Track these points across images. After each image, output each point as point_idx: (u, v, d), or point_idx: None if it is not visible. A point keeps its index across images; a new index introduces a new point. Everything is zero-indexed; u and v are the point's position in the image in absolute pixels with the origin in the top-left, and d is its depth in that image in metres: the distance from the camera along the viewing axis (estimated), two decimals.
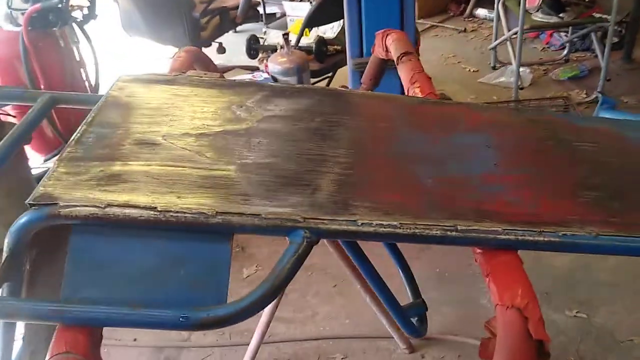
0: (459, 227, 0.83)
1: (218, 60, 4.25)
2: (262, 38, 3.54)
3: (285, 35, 3.08)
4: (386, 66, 1.72)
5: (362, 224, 0.82)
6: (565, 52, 4.19)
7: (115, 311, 0.75)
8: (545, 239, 0.83)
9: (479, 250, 0.86)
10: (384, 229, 0.82)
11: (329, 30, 3.50)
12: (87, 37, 3.04)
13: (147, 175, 0.86)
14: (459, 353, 2.21)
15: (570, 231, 0.84)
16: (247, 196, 0.85)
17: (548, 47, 4.48)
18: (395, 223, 0.82)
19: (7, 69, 2.86)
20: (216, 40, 3.96)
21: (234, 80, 1.17)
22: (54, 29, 2.83)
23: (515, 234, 0.83)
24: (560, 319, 2.32)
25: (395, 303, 1.21)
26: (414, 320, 1.28)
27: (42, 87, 2.82)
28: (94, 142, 0.93)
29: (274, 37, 3.50)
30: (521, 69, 3.96)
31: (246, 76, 3.19)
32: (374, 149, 1.00)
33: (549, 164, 1.00)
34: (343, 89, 1.23)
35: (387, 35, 1.56)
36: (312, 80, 3.36)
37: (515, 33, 3.56)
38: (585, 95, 3.74)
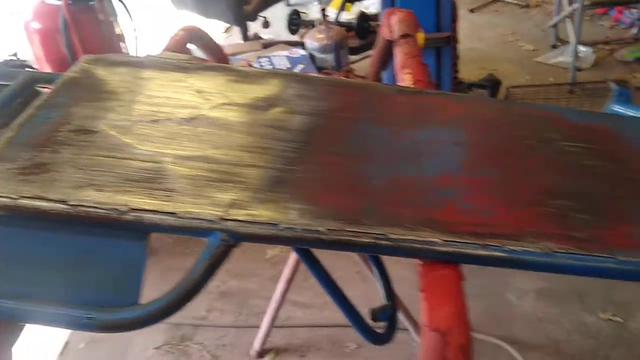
0: (390, 236, 0.75)
1: (265, 35, 4.21)
2: (303, 13, 3.45)
3: (323, 10, 2.98)
4: None
5: (285, 228, 0.75)
6: (635, 30, 3.87)
7: (17, 306, 0.73)
8: (489, 253, 0.74)
9: (419, 263, 0.77)
10: (309, 235, 0.75)
11: (372, 5, 3.37)
12: (127, 11, 3.07)
13: (74, 165, 0.83)
14: (478, 351, 2.10)
15: (521, 246, 0.74)
16: (172, 192, 0.80)
17: (617, 25, 4.15)
18: (321, 229, 0.75)
19: (49, 41, 2.93)
20: (261, 15, 3.90)
21: (205, 63, 1.12)
22: (93, 2, 2.87)
23: (454, 247, 0.74)
24: (593, 321, 2.17)
25: (352, 309, 1.14)
26: (384, 324, 1.20)
27: None
28: (35, 126, 0.91)
29: (316, 11, 3.41)
30: (584, 49, 3.70)
31: (284, 52, 3.13)
32: (329, 143, 0.92)
33: (522, 166, 0.89)
34: (315, 75, 1.15)
35: (393, 14, 1.46)
36: (352, 57, 3.25)
37: (576, 9, 3.31)
38: None
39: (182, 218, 0.75)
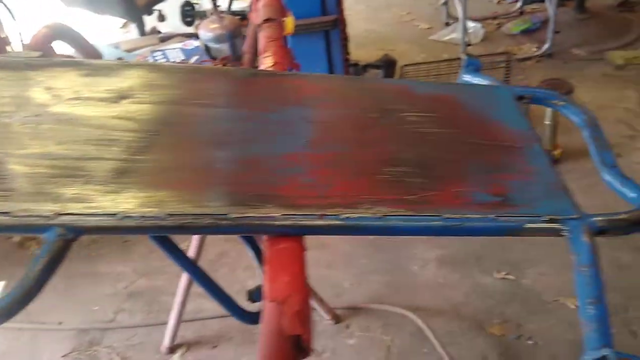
0: (230, 216, 0.76)
1: (164, 28, 4.13)
2: (197, 4, 3.41)
3: (214, 0, 2.96)
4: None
5: (123, 217, 0.75)
6: (520, 4, 4.07)
7: None
8: (327, 223, 0.77)
9: (265, 238, 0.80)
10: (148, 222, 0.75)
11: None
12: (10, 13, 2.93)
13: None
14: (383, 322, 2.18)
15: (356, 213, 0.78)
16: (9, 192, 0.78)
17: (503, 0, 4.34)
18: (161, 215, 0.76)
19: None
20: (156, 8, 3.82)
21: (57, 59, 1.09)
22: None
23: (293, 219, 0.77)
24: (488, 282, 2.29)
25: (219, 291, 1.16)
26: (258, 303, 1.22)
27: None
28: None
29: (208, 2, 3.38)
30: (473, 24, 3.86)
31: (178, 45, 3.08)
32: (179, 131, 0.93)
33: (365, 139, 0.93)
34: (172, 64, 1.15)
35: None
36: None
37: None
38: (535, 49, 3.65)
39: (17, 216, 0.74)
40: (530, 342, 2.02)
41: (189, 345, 2.20)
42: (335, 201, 0.80)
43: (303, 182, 0.83)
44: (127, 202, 0.78)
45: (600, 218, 0.80)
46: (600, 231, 0.79)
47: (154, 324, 2.29)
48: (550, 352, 2.00)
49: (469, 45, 3.63)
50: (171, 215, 0.76)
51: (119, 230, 0.76)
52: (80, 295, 2.45)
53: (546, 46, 3.53)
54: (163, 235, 1.06)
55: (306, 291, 0.72)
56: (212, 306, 2.34)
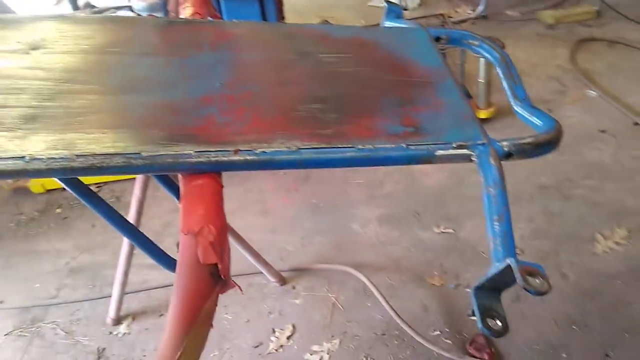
0: (143, 154, 0.76)
1: (98, 2, 4.00)
2: None
3: None
4: None
5: (32, 160, 0.74)
6: None
7: None
8: (242, 158, 0.78)
9: (181, 176, 0.80)
10: (58, 164, 0.74)
11: None
12: None
13: None
14: (327, 280, 2.21)
15: (271, 147, 0.79)
16: None
17: None
18: (70, 156, 0.75)
19: None
20: None
21: None
22: None
23: (207, 156, 0.77)
24: (428, 236, 2.35)
25: (146, 240, 1.16)
26: None
27: None
28: None
29: None
30: None
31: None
32: (92, 78, 0.91)
33: (281, 79, 0.93)
34: (87, 14, 1.12)
35: None
36: None
37: None
38: (471, 12, 3.71)
39: None
40: (467, 290, 2.09)
41: (134, 315, 2.19)
42: (250, 137, 0.80)
43: (218, 122, 0.83)
44: (36, 146, 0.76)
45: (506, 142, 0.83)
46: (507, 155, 0.83)
47: (98, 298, 2.26)
48: None
49: (406, 9, 3.66)
50: (80, 155, 0.75)
51: (27, 173, 0.74)
52: (20, 273, 2.39)
53: (480, 8, 3.59)
54: (84, 186, 1.05)
55: (222, 223, 0.73)
56: (157, 277, 2.34)
